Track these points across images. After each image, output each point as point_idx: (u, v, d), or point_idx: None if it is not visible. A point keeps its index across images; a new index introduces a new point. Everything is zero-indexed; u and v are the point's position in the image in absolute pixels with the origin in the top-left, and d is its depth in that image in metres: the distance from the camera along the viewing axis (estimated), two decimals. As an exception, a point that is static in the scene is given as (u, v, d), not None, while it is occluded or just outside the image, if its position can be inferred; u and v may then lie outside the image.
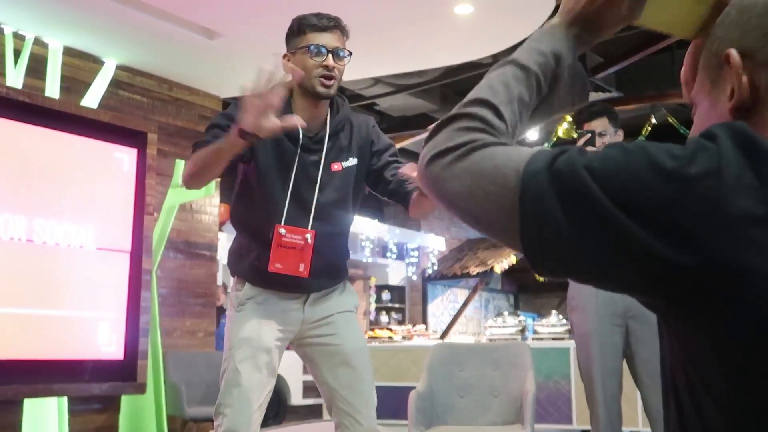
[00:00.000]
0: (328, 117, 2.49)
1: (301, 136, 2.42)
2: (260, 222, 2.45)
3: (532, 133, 8.20)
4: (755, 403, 0.72)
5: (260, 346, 2.39)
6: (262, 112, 2.04)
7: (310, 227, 2.41)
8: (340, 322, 2.51)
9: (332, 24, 2.38)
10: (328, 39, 2.36)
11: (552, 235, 0.75)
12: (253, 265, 2.46)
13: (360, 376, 2.47)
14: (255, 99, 2.04)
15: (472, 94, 0.90)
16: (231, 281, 2.57)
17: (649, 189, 0.72)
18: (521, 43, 1.01)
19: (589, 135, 3.16)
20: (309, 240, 2.40)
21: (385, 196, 2.55)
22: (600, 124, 3.24)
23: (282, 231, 2.37)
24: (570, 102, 0.97)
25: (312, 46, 2.35)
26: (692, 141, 0.75)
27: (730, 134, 0.74)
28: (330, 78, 2.36)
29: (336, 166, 2.46)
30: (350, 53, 2.41)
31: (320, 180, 2.43)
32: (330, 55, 2.35)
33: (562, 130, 7.38)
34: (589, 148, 3.12)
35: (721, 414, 0.74)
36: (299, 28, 2.40)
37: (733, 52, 0.83)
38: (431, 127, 0.88)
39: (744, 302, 0.70)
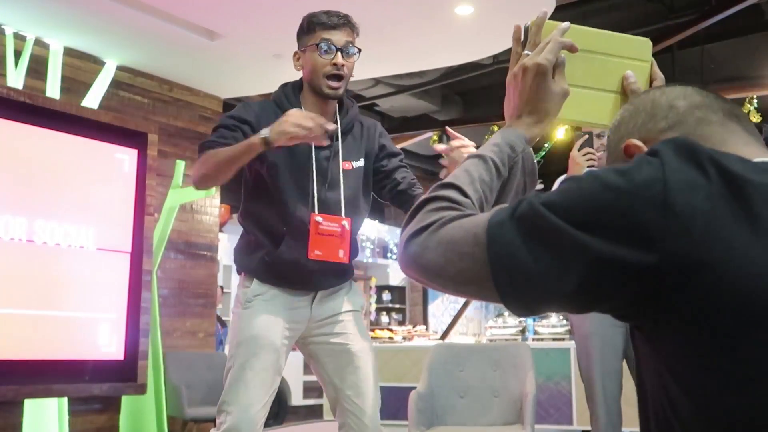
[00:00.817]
0: (338, 115, 2.51)
1: None
2: (273, 218, 2.45)
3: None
4: (729, 394, 0.75)
5: (267, 345, 2.39)
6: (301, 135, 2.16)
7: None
8: (347, 322, 2.51)
9: (342, 21, 2.41)
10: (337, 36, 2.39)
11: (521, 273, 0.81)
12: (263, 260, 2.45)
13: (366, 376, 2.47)
14: (302, 125, 2.15)
15: (438, 183, 1.02)
16: (238, 279, 2.57)
17: (603, 205, 0.79)
18: None
19: (587, 136, 3.17)
20: (347, 226, 2.43)
21: (390, 198, 2.58)
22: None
23: (319, 219, 2.40)
24: (523, 182, 1.11)
25: (321, 43, 2.37)
26: (637, 158, 0.82)
27: (673, 146, 0.81)
28: (338, 76, 2.38)
29: (347, 165, 2.49)
30: (359, 50, 2.44)
31: (333, 177, 2.46)
32: (339, 53, 2.38)
33: (564, 132, 7.36)
34: (587, 150, 3.13)
35: (698, 411, 0.77)
36: (309, 25, 2.43)
37: (632, 141, 0.95)
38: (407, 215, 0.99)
39: (706, 293, 0.75)
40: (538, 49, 1.10)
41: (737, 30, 6.75)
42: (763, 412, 0.74)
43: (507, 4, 4.87)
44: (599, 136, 3.22)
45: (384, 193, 2.58)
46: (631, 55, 1.16)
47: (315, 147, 2.42)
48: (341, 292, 2.55)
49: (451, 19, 5.07)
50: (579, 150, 3.13)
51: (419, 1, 4.79)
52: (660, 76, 1.18)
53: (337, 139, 2.47)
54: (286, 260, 2.42)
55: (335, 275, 2.52)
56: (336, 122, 2.49)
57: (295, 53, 2.48)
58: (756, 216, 0.76)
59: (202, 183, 2.38)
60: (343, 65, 2.38)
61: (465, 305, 13.48)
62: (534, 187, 1.13)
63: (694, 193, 0.77)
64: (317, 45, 2.37)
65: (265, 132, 2.19)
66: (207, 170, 2.32)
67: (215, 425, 2.39)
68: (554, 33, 1.11)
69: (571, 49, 1.11)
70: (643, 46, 1.17)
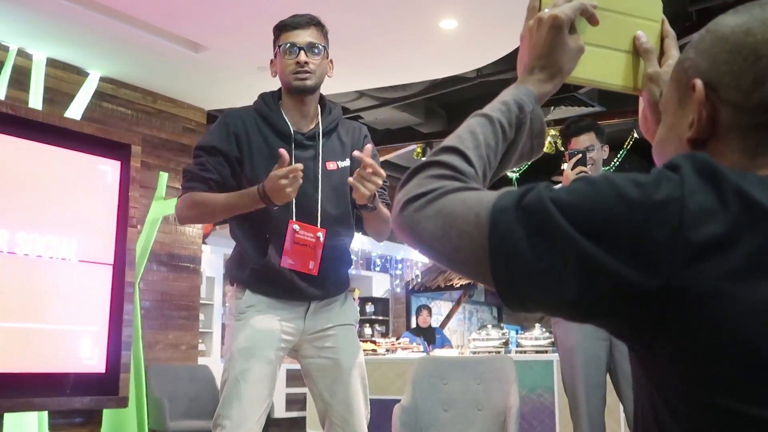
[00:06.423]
0: (320, 115, 2.52)
1: (292, 132, 2.46)
2: (257, 226, 2.44)
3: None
4: (718, 424, 0.73)
5: (261, 357, 2.37)
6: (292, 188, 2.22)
7: (318, 226, 2.43)
8: (339, 336, 2.50)
9: (305, 21, 2.44)
10: (300, 36, 2.42)
11: (521, 269, 0.77)
12: (253, 269, 2.44)
13: (355, 392, 2.47)
14: (285, 180, 2.20)
15: (442, 144, 0.95)
16: (221, 291, 2.57)
17: (615, 217, 0.74)
18: (505, 57, 1.08)
19: (580, 155, 3.18)
20: (321, 238, 2.42)
21: (356, 207, 2.57)
22: (587, 139, 3.28)
23: (296, 227, 2.39)
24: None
25: (286, 45, 2.42)
26: (656, 171, 0.78)
27: (693, 164, 0.76)
28: (303, 73, 2.40)
29: (332, 165, 2.49)
30: (325, 48, 2.46)
31: (315, 178, 2.45)
32: (302, 52, 2.40)
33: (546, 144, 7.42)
34: (580, 168, 3.15)
35: None
36: (275, 31, 2.48)
37: (699, 84, 0.85)
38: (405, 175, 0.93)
39: (705, 325, 0.72)
40: (557, 5, 1.05)
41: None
42: None
43: (490, 19, 4.90)
44: (588, 150, 3.23)
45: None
46: (642, 14, 1.13)
47: (295, 149, 2.43)
48: (335, 304, 2.53)
49: (435, 33, 5.10)
50: (572, 169, 3.16)
51: (404, 15, 4.81)
52: (671, 33, 1.14)
53: (318, 140, 2.48)
54: (274, 269, 2.41)
55: (330, 284, 2.50)
56: (318, 122, 2.51)
57: (271, 61, 2.52)
58: None
59: (186, 222, 2.53)
60: (306, 62, 2.40)
61: (448, 317, 13.50)
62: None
63: (709, 220, 0.72)
64: (280, 47, 2.43)
65: (265, 196, 2.25)
66: (197, 215, 2.45)
67: None
68: None
69: (591, 18, 1.06)
70: (654, 5, 1.14)
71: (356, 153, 2.32)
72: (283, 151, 2.25)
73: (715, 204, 0.73)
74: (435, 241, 0.84)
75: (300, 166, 2.25)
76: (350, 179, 2.29)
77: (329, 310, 2.51)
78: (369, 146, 2.34)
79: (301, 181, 2.25)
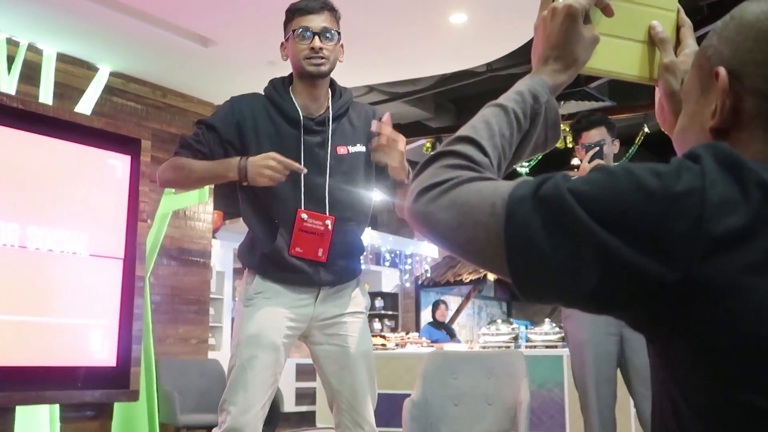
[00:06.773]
0: (330, 100, 2.51)
1: (301, 117, 2.45)
2: (266, 212, 2.46)
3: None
4: (737, 417, 0.72)
5: (268, 344, 2.39)
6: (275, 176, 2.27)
7: (327, 213, 2.43)
8: (349, 324, 2.50)
9: (319, 6, 2.42)
10: (314, 21, 2.40)
11: (537, 260, 0.76)
12: (264, 255, 2.44)
13: (363, 379, 2.48)
14: (275, 167, 2.27)
15: (456, 134, 0.93)
16: (230, 285, 2.58)
17: (634, 208, 0.72)
18: (515, 51, 1.07)
19: (597, 148, 3.18)
20: (329, 226, 2.42)
21: (381, 187, 2.57)
22: (598, 134, 3.28)
23: (304, 216, 2.40)
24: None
25: (299, 29, 2.39)
26: (676, 161, 0.76)
27: (714, 154, 0.74)
28: (318, 59, 2.39)
29: (342, 150, 2.47)
30: (339, 33, 2.44)
31: (327, 162, 2.44)
32: (316, 37, 2.38)
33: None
34: (597, 161, 3.14)
35: (705, 430, 0.74)
36: (288, 14, 2.46)
37: (722, 72, 0.84)
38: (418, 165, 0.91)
39: (724, 318, 0.71)
40: None
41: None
42: None
43: (500, 13, 4.88)
44: (599, 144, 3.23)
45: (376, 181, 2.56)
46: (657, 4, 1.11)
47: (304, 134, 2.43)
48: (346, 291, 2.53)
49: (445, 28, 5.09)
50: (589, 162, 3.15)
51: (413, 9, 4.80)
52: (687, 22, 1.12)
53: (328, 124, 2.47)
54: (283, 254, 2.41)
55: (340, 270, 2.49)
56: (328, 106, 2.50)
57: (282, 44, 2.50)
58: None
59: (165, 185, 2.53)
60: (321, 48, 2.38)
61: (457, 312, 13.49)
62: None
63: (731, 212, 0.71)
64: (294, 31, 2.40)
65: (243, 168, 2.28)
66: (175, 179, 2.42)
67: (209, 431, 2.40)
68: None
69: (606, 9, 1.05)
70: None
71: (374, 127, 2.28)
72: (299, 166, 2.30)
73: (736, 195, 0.72)
74: (450, 231, 0.83)
75: (302, 168, 2.30)
76: (375, 156, 2.29)
77: (340, 297, 2.51)
78: (387, 115, 2.30)
79: (284, 178, 2.29)
